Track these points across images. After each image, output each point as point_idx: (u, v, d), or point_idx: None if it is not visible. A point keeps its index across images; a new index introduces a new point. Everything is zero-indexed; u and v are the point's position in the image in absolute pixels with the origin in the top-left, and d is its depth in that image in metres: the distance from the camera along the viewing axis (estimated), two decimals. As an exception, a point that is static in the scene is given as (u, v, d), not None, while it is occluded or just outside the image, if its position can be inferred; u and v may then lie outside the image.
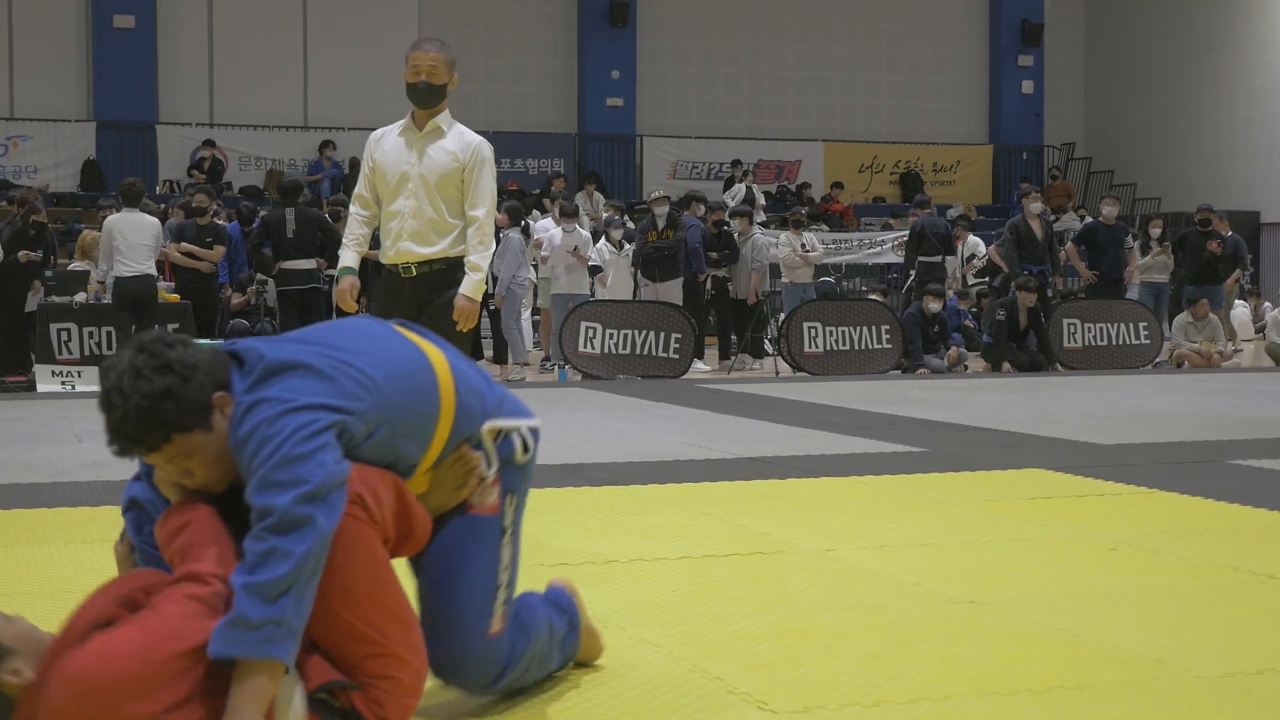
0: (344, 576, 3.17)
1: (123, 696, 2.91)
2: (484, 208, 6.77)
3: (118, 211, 14.48)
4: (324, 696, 3.17)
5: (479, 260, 6.76)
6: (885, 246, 24.59)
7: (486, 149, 6.86)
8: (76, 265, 15.87)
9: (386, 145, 6.89)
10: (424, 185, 6.74)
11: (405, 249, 6.79)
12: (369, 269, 7.03)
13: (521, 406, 3.75)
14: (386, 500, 3.28)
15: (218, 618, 3.01)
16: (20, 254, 14.68)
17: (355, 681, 3.18)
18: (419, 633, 3.34)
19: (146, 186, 16.05)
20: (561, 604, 3.94)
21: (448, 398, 3.45)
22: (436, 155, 6.78)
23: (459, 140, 6.81)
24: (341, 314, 15.26)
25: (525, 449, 3.68)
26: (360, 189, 7.00)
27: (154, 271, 14.03)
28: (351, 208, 7.09)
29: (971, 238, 20.93)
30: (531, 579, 5.28)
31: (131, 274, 13.87)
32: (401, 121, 6.94)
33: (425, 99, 6.79)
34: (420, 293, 6.80)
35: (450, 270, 6.81)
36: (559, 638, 3.84)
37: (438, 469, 3.53)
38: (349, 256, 7.04)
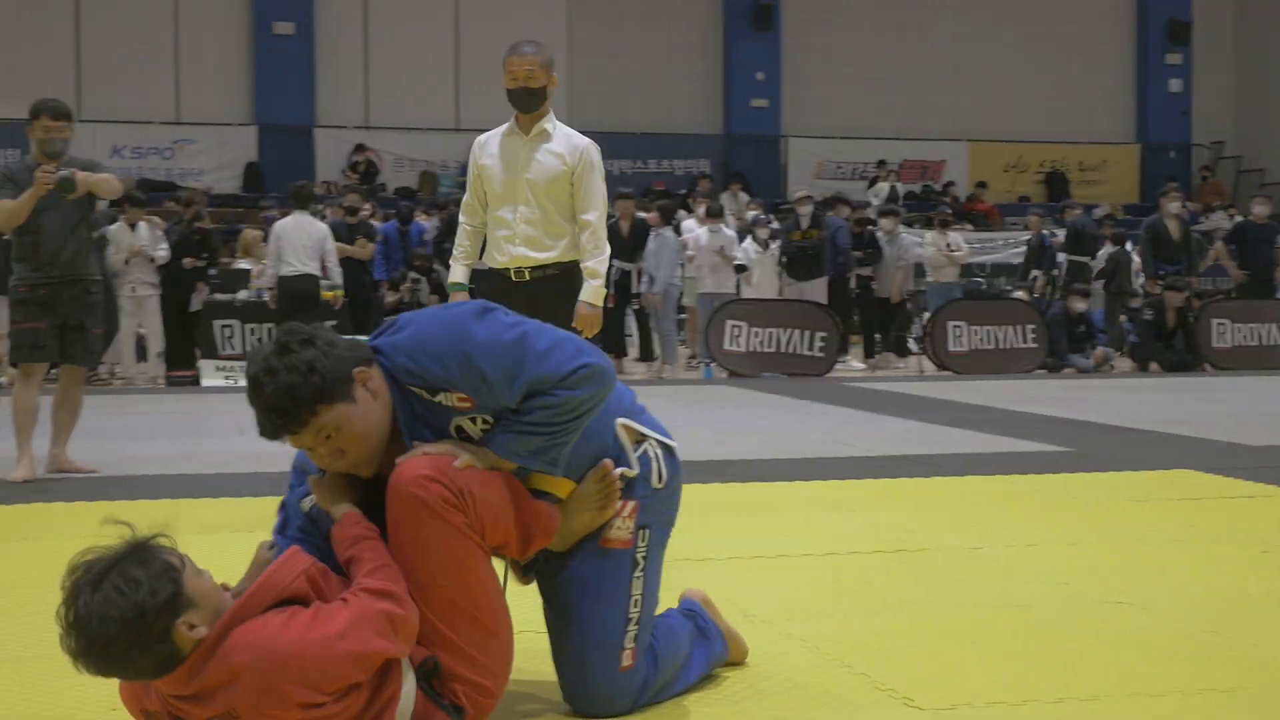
0: (425, 575, 3.21)
1: (295, 679, 2.97)
2: (596, 211, 6.55)
3: (286, 214, 14.74)
4: (424, 684, 3.22)
5: (597, 265, 6.53)
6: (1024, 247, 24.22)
7: (594, 151, 6.65)
8: (239, 264, 16.17)
9: (493, 150, 6.65)
10: (534, 190, 6.51)
11: (519, 254, 6.52)
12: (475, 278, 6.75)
13: (658, 424, 3.76)
14: (493, 501, 3.28)
15: (383, 634, 3.08)
16: (185, 260, 15.02)
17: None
18: (503, 640, 3.33)
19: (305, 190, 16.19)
20: (699, 621, 3.91)
21: None
22: (544, 159, 6.55)
23: (566, 143, 6.60)
24: None
25: (660, 476, 3.65)
26: (468, 198, 6.75)
27: (317, 271, 14.24)
28: (461, 218, 6.82)
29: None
30: (678, 576, 5.29)
31: (295, 273, 14.10)
32: (505, 126, 6.73)
33: (526, 103, 6.58)
34: (535, 297, 6.41)
35: (564, 275, 6.56)
36: (689, 655, 3.78)
37: (579, 489, 3.53)
38: (459, 271, 6.76)
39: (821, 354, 15.87)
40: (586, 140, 6.66)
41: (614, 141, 27.19)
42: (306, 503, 3.43)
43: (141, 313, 14.86)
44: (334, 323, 14.49)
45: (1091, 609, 4.75)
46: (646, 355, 16.20)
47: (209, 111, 25.84)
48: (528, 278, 6.51)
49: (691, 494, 7.13)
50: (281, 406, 3.18)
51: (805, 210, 16.92)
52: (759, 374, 15.60)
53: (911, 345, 18.00)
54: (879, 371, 16.88)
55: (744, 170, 27.10)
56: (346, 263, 15.05)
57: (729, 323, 15.86)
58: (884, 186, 24.96)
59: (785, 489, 7.42)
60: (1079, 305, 16.81)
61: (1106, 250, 18.54)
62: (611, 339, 16.23)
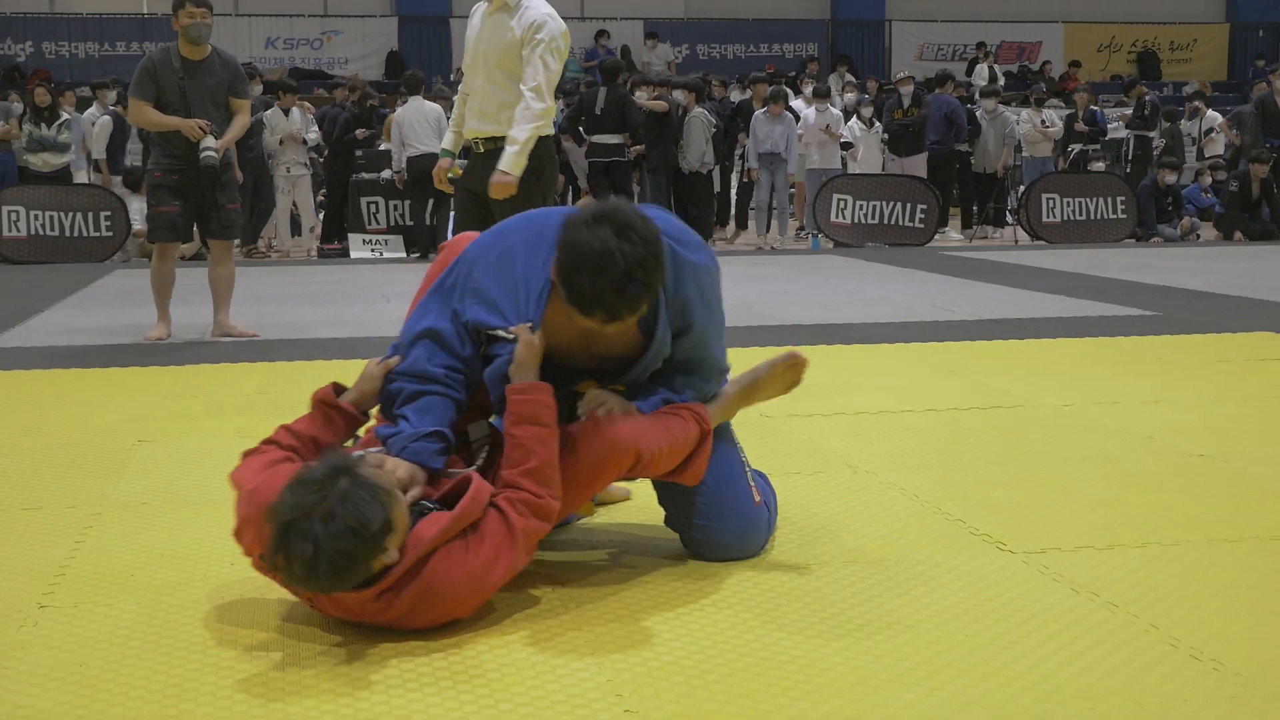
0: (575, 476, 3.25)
1: (461, 604, 3.00)
2: (533, 83, 5.89)
3: (404, 102, 14.78)
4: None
5: (517, 133, 5.87)
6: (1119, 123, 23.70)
7: (548, 28, 5.94)
8: (384, 145, 16.22)
9: (475, 21, 6.16)
10: (487, 61, 6.01)
11: (473, 127, 6.11)
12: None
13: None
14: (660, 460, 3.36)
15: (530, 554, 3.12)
16: (358, 131, 15.26)
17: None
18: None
19: (441, 75, 16.22)
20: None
21: None
22: (499, 32, 5.99)
23: (522, 17, 5.95)
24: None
25: None
26: (463, 65, 6.32)
27: (436, 149, 14.28)
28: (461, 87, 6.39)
29: (1210, 112, 20.07)
30: (785, 429, 5.32)
31: (418, 153, 14.14)
32: None
33: None
34: (489, 172, 5.97)
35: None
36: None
37: (770, 370, 3.78)
38: (447, 138, 6.39)
39: (922, 225, 15.70)
40: (544, 14, 5.98)
41: (728, 27, 26.95)
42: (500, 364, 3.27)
43: (295, 191, 15.02)
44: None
45: (1175, 461, 4.70)
46: (743, 225, 16.09)
47: (354, 4, 25.89)
48: (482, 150, 6.09)
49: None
50: (638, 293, 3.04)
51: (907, 90, 16.68)
52: (863, 244, 15.49)
53: (1007, 217, 17.73)
54: (976, 241, 16.67)
55: (850, 53, 26.70)
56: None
57: (835, 196, 15.74)
58: (983, 68, 24.46)
59: (888, 351, 7.39)
60: (1168, 178, 16.43)
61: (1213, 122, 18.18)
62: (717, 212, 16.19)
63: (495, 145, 5.97)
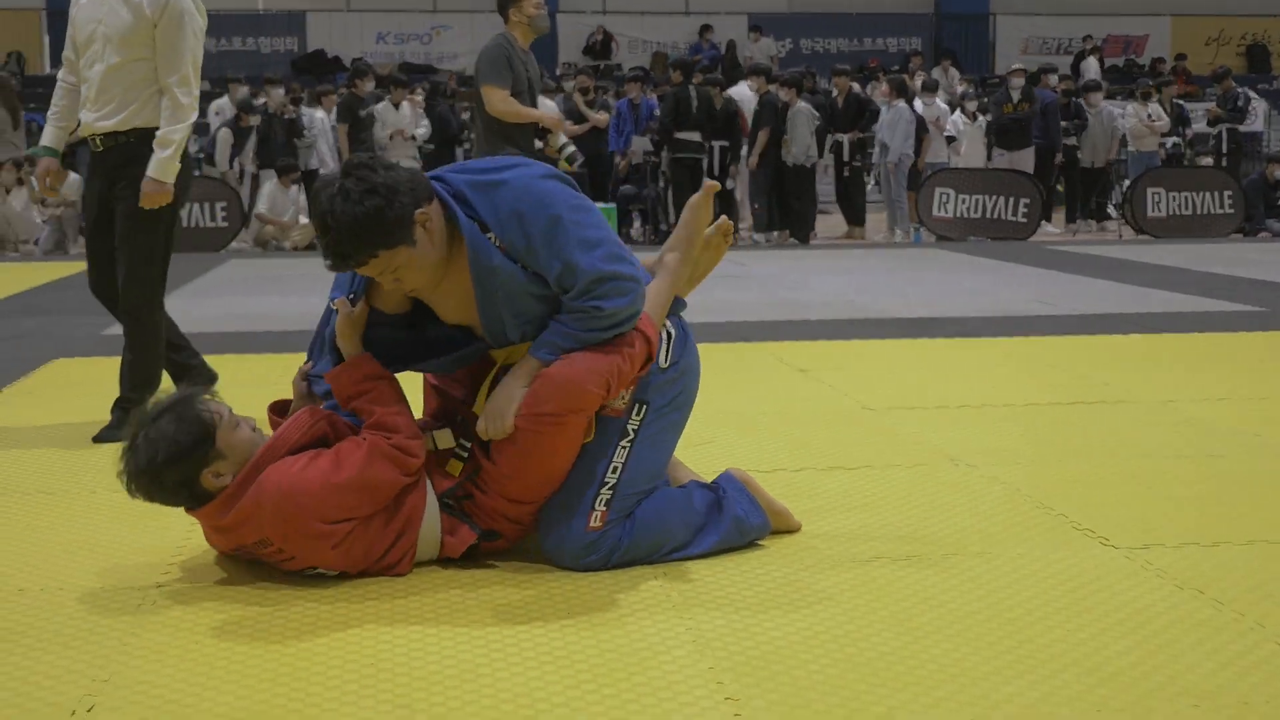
0: (537, 461, 3.36)
1: (310, 512, 3.22)
2: (177, 74, 5.05)
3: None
4: (448, 504, 3.43)
5: (170, 134, 5.05)
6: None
7: (181, 3, 5.06)
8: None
9: (83, 0, 5.14)
10: (107, 44, 5.03)
11: (88, 121, 5.12)
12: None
13: (675, 308, 3.66)
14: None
15: (396, 467, 3.28)
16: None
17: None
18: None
19: (547, 69, 16.29)
20: (720, 493, 3.63)
21: None
22: (120, 8, 5.02)
23: None
24: None
25: (665, 355, 3.51)
26: (67, 52, 5.25)
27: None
28: (59, 74, 5.34)
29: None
30: (887, 421, 5.28)
31: (535, 147, 14.19)
32: None
33: None
34: (109, 171, 5.15)
35: (140, 144, 5.09)
36: (700, 524, 3.54)
37: (709, 242, 3.73)
38: (49, 134, 5.31)
39: (1025, 219, 15.51)
40: None
41: (831, 22, 26.78)
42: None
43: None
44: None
45: (1281, 458, 4.61)
46: (857, 219, 15.92)
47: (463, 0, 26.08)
48: (100, 147, 5.14)
49: (901, 349, 7.12)
50: (344, 251, 3.20)
51: (1017, 83, 16.47)
52: (965, 238, 15.33)
53: (1111, 211, 17.47)
54: (1079, 236, 16.44)
55: (954, 47, 26.42)
56: (586, 133, 15.11)
57: (938, 190, 15.60)
58: (1090, 62, 24.09)
59: (989, 344, 7.32)
60: (1277, 172, 16.09)
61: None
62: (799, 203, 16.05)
63: (115, 142, 5.09)
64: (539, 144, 7.54)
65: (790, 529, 3.73)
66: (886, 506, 4.01)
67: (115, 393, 5.21)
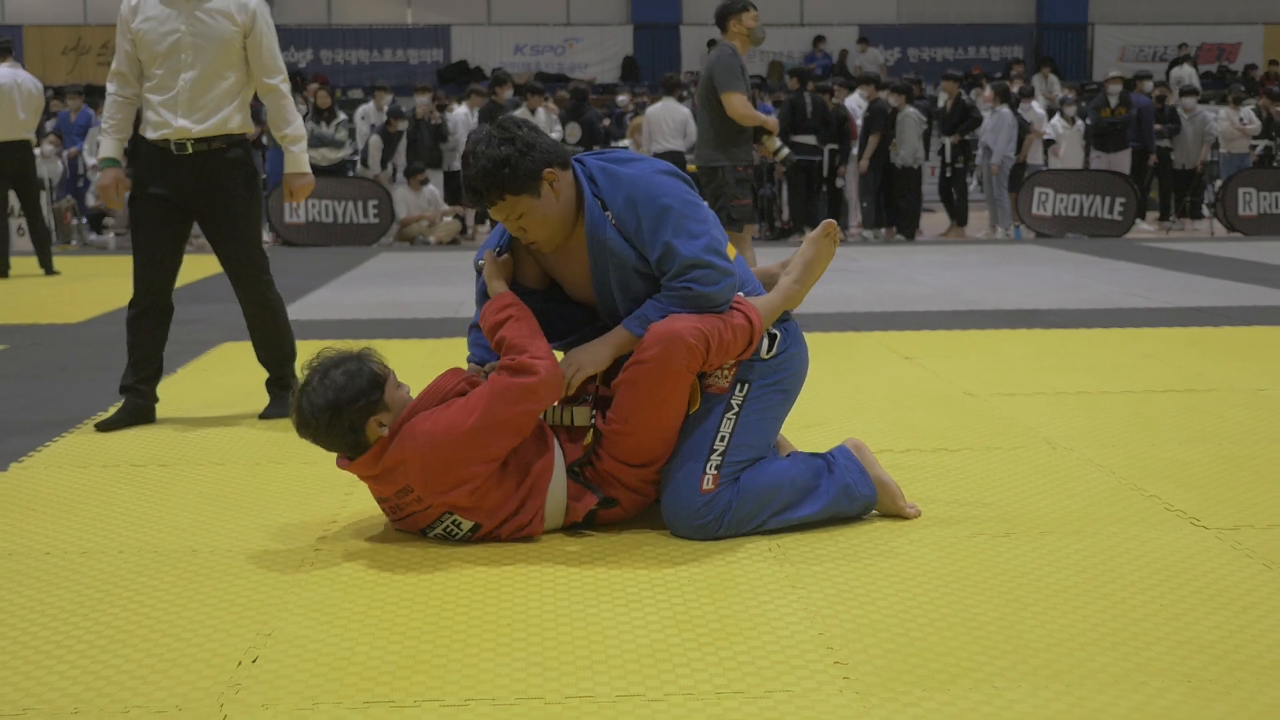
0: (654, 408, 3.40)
1: (446, 457, 3.27)
2: (280, 74, 5.07)
3: (655, 100, 14.84)
4: (573, 471, 3.47)
5: (296, 130, 5.13)
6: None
7: (264, 6, 5.07)
8: (623, 143, 16.33)
9: (150, 12, 4.96)
10: (198, 53, 4.93)
11: (182, 126, 4.93)
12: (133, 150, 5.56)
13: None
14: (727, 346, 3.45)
15: (535, 400, 3.32)
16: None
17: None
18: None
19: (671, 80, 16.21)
20: (830, 459, 3.62)
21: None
22: (206, 18, 4.93)
23: (231, 1, 4.99)
24: None
25: (768, 348, 3.55)
26: (120, 66, 5.02)
27: (682, 149, 14.30)
28: (109, 87, 5.09)
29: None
30: (987, 406, 5.21)
31: (663, 150, 14.20)
32: None
33: None
34: (199, 174, 4.99)
35: (230, 149, 5.01)
36: (810, 487, 3.54)
37: (818, 246, 3.76)
38: (110, 145, 5.10)
39: (1120, 217, 15.20)
40: None
41: (938, 31, 26.45)
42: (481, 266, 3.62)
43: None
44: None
45: (1369, 446, 4.47)
46: (955, 217, 15.68)
47: (593, 13, 26.17)
48: (190, 151, 4.97)
49: (1002, 339, 7.02)
50: (478, 187, 3.37)
51: (1115, 89, 16.16)
52: (1063, 235, 15.08)
53: (1204, 210, 17.05)
54: (1172, 233, 16.07)
55: (1053, 55, 25.96)
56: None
57: (1037, 190, 15.34)
58: (1185, 69, 23.54)
59: (1085, 335, 7.19)
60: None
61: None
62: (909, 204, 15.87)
63: (208, 146, 4.97)
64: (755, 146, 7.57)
65: (897, 512, 3.64)
66: (986, 486, 3.96)
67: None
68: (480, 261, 3.60)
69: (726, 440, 3.47)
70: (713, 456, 3.45)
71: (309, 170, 5.19)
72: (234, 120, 5.00)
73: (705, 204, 3.50)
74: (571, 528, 3.50)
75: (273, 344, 5.19)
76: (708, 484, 3.43)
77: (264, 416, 5.14)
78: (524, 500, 3.39)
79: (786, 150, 7.60)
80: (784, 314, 3.66)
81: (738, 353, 3.45)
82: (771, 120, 7.51)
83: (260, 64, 5.03)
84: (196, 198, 5.01)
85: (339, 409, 3.28)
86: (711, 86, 7.42)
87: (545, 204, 3.40)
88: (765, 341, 3.55)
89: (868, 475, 3.62)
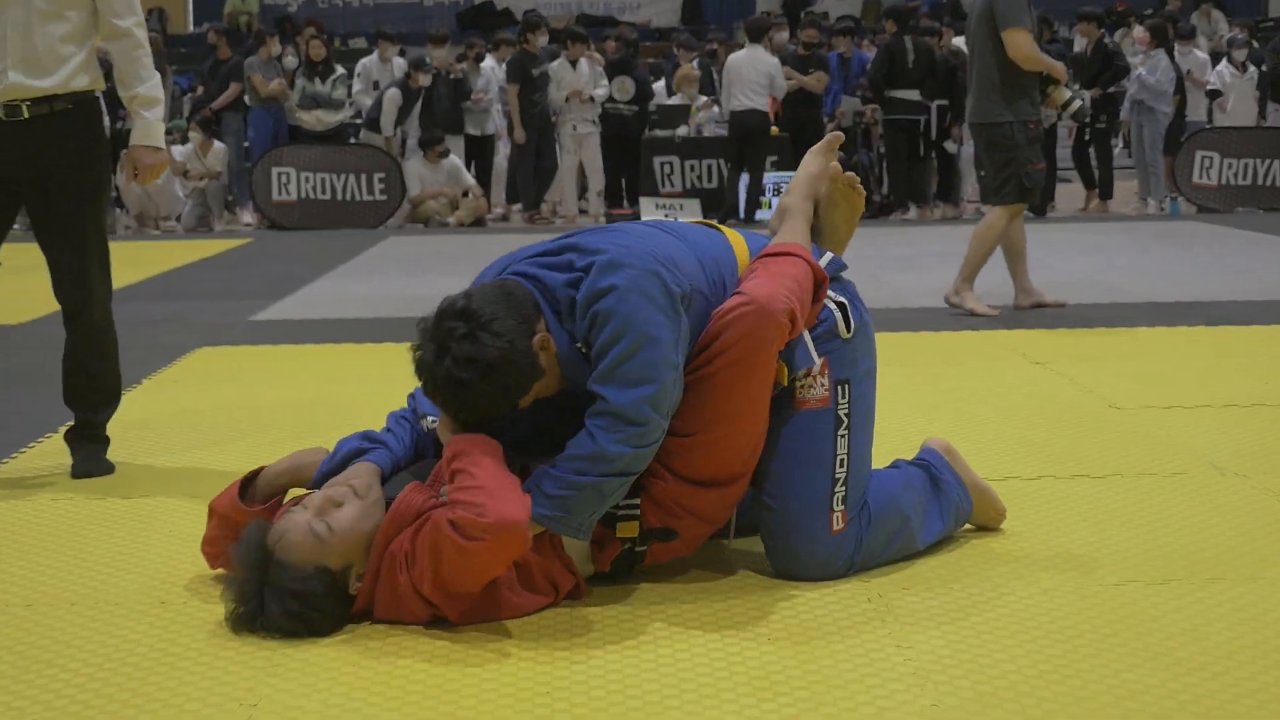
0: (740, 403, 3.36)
1: (443, 599, 3.17)
2: (135, 15, 4.69)
3: (734, 48, 14.80)
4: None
5: (152, 89, 4.73)
6: None
7: None
8: (675, 100, 16.36)
9: None
10: None
11: (13, 83, 4.52)
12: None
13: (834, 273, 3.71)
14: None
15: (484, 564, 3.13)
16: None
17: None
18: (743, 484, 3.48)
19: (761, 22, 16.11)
20: (932, 470, 3.74)
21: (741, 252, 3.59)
22: None
23: None
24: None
25: (847, 326, 3.54)
26: None
27: (764, 107, 14.30)
28: None
29: None
30: (1136, 420, 5.17)
31: (744, 108, 14.22)
32: None
33: None
34: (34, 145, 4.59)
35: (79, 111, 4.64)
36: (924, 507, 3.65)
37: (831, 204, 3.79)
38: None
39: (1308, 188, 15.10)
40: None
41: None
42: (428, 423, 3.56)
43: (582, 150, 15.21)
44: (775, 158, 14.63)
45: None
46: (1094, 188, 15.54)
47: (649, -59, 26.26)
48: (27, 115, 4.56)
49: (1155, 338, 6.97)
50: (478, 420, 3.30)
51: (1295, 26, 16.05)
52: (1232, 209, 14.96)
53: None
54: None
55: (1218, -14, 25.74)
56: (794, 95, 15.01)
57: (1199, 153, 15.22)
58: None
59: (1260, 334, 7.13)
60: None
61: None
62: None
63: (50, 109, 4.58)
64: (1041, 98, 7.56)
65: (992, 523, 3.83)
66: (1138, 521, 3.94)
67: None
68: (432, 422, 3.53)
69: (847, 464, 3.50)
70: (837, 489, 3.48)
71: (163, 144, 4.84)
72: (81, 76, 4.61)
73: (671, 330, 3.30)
74: (609, 576, 3.47)
75: (101, 378, 4.82)
76: (837, 523, 3.47)
77: (77, 476, 4.73)
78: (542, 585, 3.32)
79: (1080, 102, 7.52)
80: (833, 266, 3.67)
81: (812, 301, 3.47)
82: (1059, 67, 7.46)
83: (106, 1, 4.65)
84: (29, 175, 4.61)
85: (307, 606, 3.16)
86: (991, 22, 7.39)
87: (549, 374, 3.32)
88: (837, 315, 3.56)
89: (964, 484, 3.76)
